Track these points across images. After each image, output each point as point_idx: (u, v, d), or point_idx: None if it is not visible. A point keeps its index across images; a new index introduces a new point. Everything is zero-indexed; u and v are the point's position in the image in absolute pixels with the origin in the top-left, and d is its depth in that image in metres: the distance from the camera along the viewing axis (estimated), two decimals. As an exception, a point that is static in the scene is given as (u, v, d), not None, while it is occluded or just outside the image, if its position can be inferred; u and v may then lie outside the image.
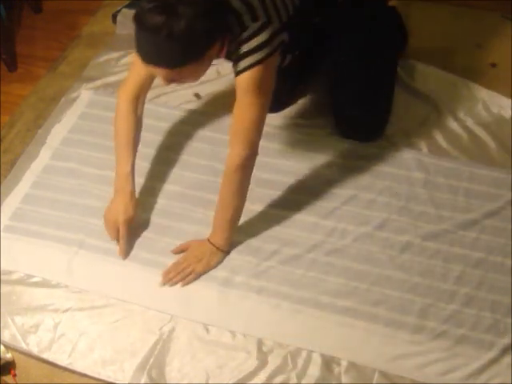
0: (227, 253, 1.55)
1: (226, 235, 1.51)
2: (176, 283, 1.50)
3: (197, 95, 1.91)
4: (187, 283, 1.50)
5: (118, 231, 1.54)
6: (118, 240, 1.55)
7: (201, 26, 1.15)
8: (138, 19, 1.16)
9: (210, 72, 2.00)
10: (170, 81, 1.26)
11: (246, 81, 1.31)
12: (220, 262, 1.53)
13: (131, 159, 1.56)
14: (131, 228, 1.56)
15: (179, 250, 1.56)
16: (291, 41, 1.38)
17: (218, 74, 2.01)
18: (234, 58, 1.30)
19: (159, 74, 1.24)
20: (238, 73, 1.31)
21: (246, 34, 1.27)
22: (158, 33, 1.13)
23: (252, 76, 1.30)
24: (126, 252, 1.55)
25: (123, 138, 1.57)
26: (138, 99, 1.56)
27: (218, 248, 1.52)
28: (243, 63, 1.29)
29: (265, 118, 1.39)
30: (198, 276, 1.51)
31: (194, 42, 1.17)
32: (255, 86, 1.31)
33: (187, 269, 1.50)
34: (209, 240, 1.52)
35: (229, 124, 1.83)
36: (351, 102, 1.77)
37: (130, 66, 1.58)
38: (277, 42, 1.31)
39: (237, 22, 1.27)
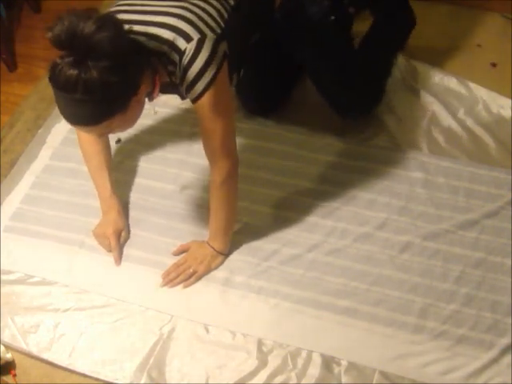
0: (227, 255, 1.55)
1: (224, 240, 1.52)
2: (177, 285, 1.50)
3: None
4: (189, 285, 1.50)
5: (109, 243, 1.56)
6: (110, 250, 1.57)
7: (116, 72, 1.07)
8: (52, 78, 1.08)
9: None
10: (102, 135, 1.23)
11: (205, 105, 1.26)
12: (220, 264, 1.54)
13: (108, 181, 1.57)
14: (121, 240, 1.58)
15: (179, 251, 1.56)
16: (232, 56, 1.31)
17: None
18: (186, 85, 1.24)
19: (87, 132, 1.18)
20: (194, 100, 1.27)
21: (186, 59, 1.20)
22: (72, 91, 1.06)
23: (210, 98, 1.25)
24: (120, 260, 1.56)
25: (94, 163, 1.56)
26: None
27: (217, 251, 1.52)
28: (197, 87, 1.23)
29: (234, 126, 1.37)
30: (200, 278, 1.51)
31: (112, 94, 1.09)
32: (216, 105, 1.27)
33: (188, 270, 1.50)
34: (208, 243, 1.53)
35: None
36: (333, 84, 1.76)
37: None
38: (219, 54, 1.24)
39: (172, 50, 1.21)
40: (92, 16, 1.05)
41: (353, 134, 1.85)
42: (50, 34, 1.05)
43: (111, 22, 1.09)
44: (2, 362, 1.39)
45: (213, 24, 1.26)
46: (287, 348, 1.41)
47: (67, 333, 1.44)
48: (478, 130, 1.86)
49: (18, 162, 1.82)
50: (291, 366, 1.39)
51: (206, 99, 1.25)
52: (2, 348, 1.40)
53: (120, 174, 1.71)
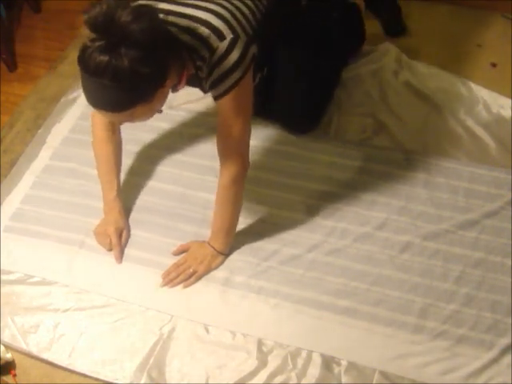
0: (227, 255, 1.55)
1: (225, 241, 1.52)
2: (177, 285, 1.50)
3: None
4: (189, 285, 1.50)
5: (110, 241, 1.56)
6: (111, 249, 1.57)
7: (147, 63, 1.08)
8: (81, 60, 1.08)
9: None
10: (121, 123, 1.23)
11: (227, 103, 1.28)
12: (220, 264, 1.54)
13: (115, 185, 1.58)
14: (122, 240, 1.58)
15: (179, 252, 1.56)
16: (258, 56, 1.33)
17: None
18: (211, 81, 1.26)
19: (108, 117, 1.19)
20: (217, 97, 1.28)
21: (217, 55, 1.22)
22: (101, 76, 1.06)
23: (232, 98, 1.27)
24: (121, 258, 1.56)
25: (104, 166, 1.57)
26: (114, 124, 1.53)
27: (218, 251, 1.52)
28: (222, 86, 1.25)
29: (250, 131, 1.38)
30: (200, 278, 1.51)
31: (140, 83, 1.10)
32: (236, 106, 1.29)
33: (188, 270, 1.50)
34: (209, 243, 1.53)
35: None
36: (287, 99, 1.77)
37: None
38: (249, 56, 1.26)
39: (204, 46, 1.22)
40: (130, 5, 1.06)
41: (353, 134, 1.85)
42: (85, 16, 1.05)
43: (148, 14, 1.10)
44: (2, 362, 1.39)
45: (246, 25, 1.28)
46: (287, 348, 1.41)
47: (67, 333, 1.44)
48: (478, 130, 1.86)
49: (18, 162, 1.82)
50: (291, 366, 1.39)
51: (228, 98, 1.27)
52: (2, 348, 1.40)
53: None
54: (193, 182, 1.72)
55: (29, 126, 1.95)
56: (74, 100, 1.97)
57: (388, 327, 1.43)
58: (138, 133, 1.80)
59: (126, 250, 1.58)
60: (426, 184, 1.70)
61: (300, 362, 1.39)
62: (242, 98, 1.29)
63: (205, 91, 1.37)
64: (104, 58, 1.05)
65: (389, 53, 2.06)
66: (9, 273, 1.54)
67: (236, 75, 1.24)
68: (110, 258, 1.56)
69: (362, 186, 1.70)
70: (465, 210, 1.64)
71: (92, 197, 1.67)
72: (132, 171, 1.74)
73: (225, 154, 1.38)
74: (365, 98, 1.95)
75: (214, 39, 1.21)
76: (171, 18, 1.22)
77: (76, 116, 1.91)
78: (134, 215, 1.65)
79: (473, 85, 1.98)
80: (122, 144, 1.60)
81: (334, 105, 1.91)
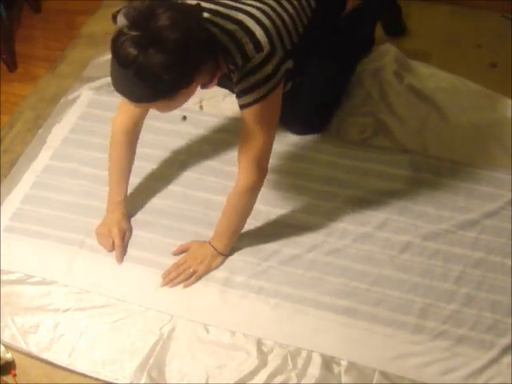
0: (227, 256, 1.55)
1: (227, 243, 1.52)
2: (177, 284, 1.50)
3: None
4: (189, 285, 1.50)
5: (112, 242, 1.56)
6: (112, 250, 1.57)
7: (172, 71, 1.08)
8: (113, 45, 1.09)
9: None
10: (144, 111, 1.23)
11: (251, 114, 1.27)
12: (220, 264, 1.54)
13: (124, 190, 1.59)
14: (124, 241, 1.58)
15: (179, 251, 1.56)
16: (293, 67, 1.33)
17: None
18: (239, 90, 1.24)
19: (130, 105, 1.19)
20: (242, 106, 1.27)
21: (250, 66, 1.19)
22: (126, 67, 1.07)
23: (257, 110, 1.26)
24: (122, 259, 1.56)
25: (117, 169, 1.57)
26: (134, 129, 1.52)
27: (218, 252, 1.52)
28: (249, 97, 1.24)
29: (272, 143, 1.37)
30: (199, 278, 1.51)
31: (161, 85, 1.10)
32: (261, 119, 1.28)
33: (188, 270, 1.51)
34: (210, 243, 1.52)
35: (225, 127, 1.87)
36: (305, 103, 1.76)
37: (121, 101, 1.46)
38: (282, 71, 1.25)
39: (239, 52, 1.19)
40: (172, 8, 1.06)
41: (353, 134, 1.85)
42: (125, 9, 1.06)
43: (187, 21, 1.09)
44: (2, 362, 1.39)
45: (286, 38, 1.27)
46: (287, 348, 1.41)
47: (67, 333, 1.44)
48: (478, 130, 1.86)
49: (18, 162, 1.82)
50: (291, 366, 1.39)
51: (253, 109, 1.26)
52: (2, 348, 1.40)
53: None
54: (193, 182, 1.72)
55: (29, 126, 1.95)
56: (74, 100, 1.97)
57: (388, 327, 1.43)
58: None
59: (126, 250, 1.58)
60: (425, 184, 1.70)
61: (300, 362, 1.39)
62: (267, 111, 1.28)
63: (234, 92, 1.36)
64: (133, 52, 1.05)
65: (389, 53, 2.06)
66: (9, 273, 1.54)
67: (265, 89, 1.23)
68: (110, 258, 1.56)
69: (362, 186, 1.70)
70: (465, 210, 1.64)
71: (92, 197, 1.68)
72: (132, 171, 1.74)
73: (244, 162, 1.36)
74: (365, 98, 1.95)
75: (250, 48, 1.19)
76: (213, 18, 1.21)
77: (76, 116, 1.91)
78: (133, 215, 1.65)
79: (473, 85, 1.98)
80: (136, 149, 1.58)
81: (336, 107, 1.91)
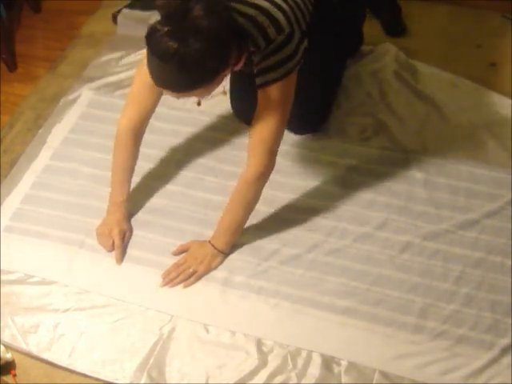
0: (227, 255, 1.55)
1: (229, 240, 1.52)
2: (177, 284, 1.50)
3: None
4: (189, 285, 1.50)
5: (112, 243, 1.56)
6: (112, 250, 1.57)
7: (215, 51, 1.14)
8: (149, 42, 1.13)
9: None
10: (179, 98, 1.26)
11: (271, 93, 1.31)
12: (220, 263, 1.54)
13: (126, 191, 1.59)
14: (124, 241, 1.58)
15: (179, 252, 1.56)
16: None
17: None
18: (259, 68, 1.29)
19: (170, 94, 1.23)
20: (263, 85, 1.31)
21: (272, 47, 1.26)
22: (171, 57, 1.11)
23: (278, 89, 1.30)
24: (122, 259, 1.56)
25: (120, 169, 1.57)
26: (139, 130, 1.54)
27: (218, 251, 1.52)
28: (269, 76, 1.29)
29: (284, 129, 1.39)
30: (200, 278, 1.51)
31: (207, 68, 1.16)
32: (280, 98, 1.32)
33: (188, 270, 1.51)
34: (210, 242, 1.52)
35: (225, 126, 1.87)
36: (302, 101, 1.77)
37: (130, 94, 1.51)
38: (301, 51, 1.30)
39: (261, 36, 1.25)
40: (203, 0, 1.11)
41: (353, 134, 1.85)
42: (160, 3, 1.11)
43: (219, 10, 1.14)
44: (2, 362, 1.39)
45: (301, 19, 1.32)
46: (287, 348, 1.41)
47: (67, 333, 1.44)
48: (478, 130, 1.86)
49: (18, 162, 1.82)
50: (291, 366, 1.39)
51: (273, 88, 1.30)
52: (2, 348, 1.40)
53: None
54: (192, 182, 1.72)
55: (29, 126, 1.95)
56: (74, 100, 1.97)
57: (388, 327, 1.43)
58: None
59: (126, 250, 1.58)
60: (425, 184, 1.70)
61: (300, 362, 1.39)
62: (284, 91, 1.32)
63: (249, 75, 1.39)
64: (173, 45, 1.09)
65: (389, 53, 2.06)
66: (9, 273, 1.54)
67: (285, 68, 1.29)
68: (110, 258, 1.56)
69: (362, 186, 1.70)
70: (465, 210, 1.64)
71: (92, 197, 1.68)
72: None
73: (256, 145, 1.38)
74: (365, 98, 1.95)
75: (272, 31, 1.25)
76: (237, 6, 1.26)
77: (76, 116, 1.91)
78: (133, 215, 1.65)
79: (473, 85, 1.98)
80: (139, 150, 1.58)
81: (334, 105, 1.91)
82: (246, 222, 1.52)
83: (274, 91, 1.31)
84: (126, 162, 1.57)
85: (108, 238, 1.57)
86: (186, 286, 1.50)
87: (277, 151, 1.41)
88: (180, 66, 1.11)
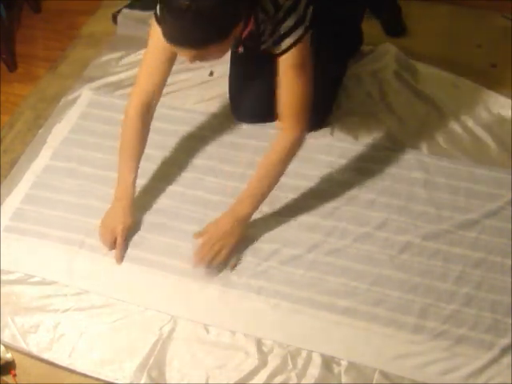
0: (246, 225, 1.54)
1: (251, 210, 1.51)
2: (209, 262, 1.49)
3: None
4: (222, 259, 1.49)
5: (113, 240, 1.55)
6: (112, 249, 1.56)
7: (227, 5, 1.16)
8: (162, 1, 1.17)
9: (205, 74, 2.02)
10: (194, 59, 1.27)
11: (291, 58, 1.35)
12: (243, 233, 1.53)
13: (134, 170, 1.57)
14: (127, 235, 1.58)
15: (200, 235, 1.54)
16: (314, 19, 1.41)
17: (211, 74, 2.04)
18: (274, 39, 1.33)
19: (184, 53, 1.24)
20: (281, 52, 1.35)
21: (281, 14, 1.30)
22: (184, 13, 1.13)
23: (296, 53, 1.34)
24: (122, 258, 1.56)
25: (129, 148, 1.56)
26: (149, 106, 1.54)
27: (238, 220, 1.50)
28: (286, 42, 1.33)
29: (311, 93, 1.41)
30: (230, 250, 1.50)
31: (220, 22, 1.18)
32: (300, 62, 1.36)
33: (215, 247, 1.48)
34: (228, 214, 1.51)
35: (226, 126, 1.87)
36: None
37: (140, 71, 1.53)
38: (309, 15, 1.33)
39: (270, 1, 1.29)
40: None
41: (353, 134, 1.85)
42: None
43: None
44: (2, 362, 1.39)
45: None
46: (287, 348, 1.41)
47: (67, 333, 1.44)
48: (478, 130, 1.86)
49: (18, 162, 1.82)
50: (291, 366, 1.39)
51: (291, 55, 1.34)
52: (2, 348, 1.40)
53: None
54: (193, 182, 1.72)
55: (29, 126, 1.95)
56: (74, 100, 1.97)
57: (388, 327, 1.43)
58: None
59: (126, 250, 1.58)
60: (425, 184, 1.70)
61: (300, 361, 1.39)
62: (303, 55, 1.35)
63: (258, 48, 1.42)
64: (185, 3, 1.11)
65: (389, 53, 2.06)
66: (9, 273, 1.54)
67: (299, 32, 1.32)
68: (110, 258, 1.56)
69: (361, 186, 1.70)
70: (465, 210, 1.64)
71: (92, 197, 1.68)
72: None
73: (287, 114, 1.42)
74: (365, 98, 1.95)
75: None
76: None
77: (76, 116, 1.91)
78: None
79: (473, 85, 1.98)
80: (149, 128, 1.59)
81: (334, 105, 1.91)
82: (267, 196, 1.51)
83: (294, 57, 1.34)
84: (134, 139, 1.55)
85: (111, 236, 1.55)
86: (219, 262, 1.49)
87: (307, 117, 1.43)
88: (193, 21, 1.13)
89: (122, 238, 1.55)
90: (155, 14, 1.37)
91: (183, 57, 1.26)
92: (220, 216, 1.52)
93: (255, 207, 1.52)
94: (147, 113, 1.55)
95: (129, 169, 1.56)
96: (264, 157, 1.47)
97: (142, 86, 1.52)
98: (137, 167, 1.58)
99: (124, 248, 1.56)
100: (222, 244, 1.49)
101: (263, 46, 1.39)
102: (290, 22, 1.31)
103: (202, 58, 1.27)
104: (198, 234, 1.54)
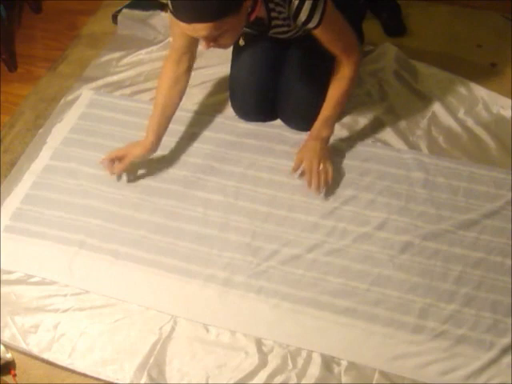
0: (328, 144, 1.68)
1: (331, 131, 1.66)
2: (325, 184, 1.63)
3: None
4: (331, 176, 1.63)
5: (115, 166, 1.65)
6: (111, 172, 1.66)
7: None
8: None
9: (205, 74, 2.02)
10: (210, 39, 1.30)
11: (326, 26, 1.42)
12: (329, 150, 1.67)
13: (157, 131, 1.65)
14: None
15: (296, 166, 1.67)
16: None
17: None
18: (302, 20, 1.40)
19: (199, 32, 1.26)
20: (314, 28, 1.42)
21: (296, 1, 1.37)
22: None
23: (328, 21, 1.41)
24: (117, 173, 1.69)
25: (158, 107, 1.65)
26: (181, 59, 1.61)
27: (324, 141, 1.65)
28: (316, 18, 1.40)
29: (348, 25, 1.49)
30: (331, 165, 1.64)
31: None
32: (333, 27, 1.45)
33: (320, 169, 1.61)
34: (312, 139, 1.64)
35: (226, 126, 1.87)
36: (296, 96, 1.81)
37: (171, 32, 1.62)
38: None
39: None
40: None
41: (353, 134, 1.85)
42: None
43: None
44: (2, 362, 1.39)
45: None
46: (287, 348, 1.41)
47: (67, 333, 1.44)
48: (478, 130, 1.86)
49: (18, 162, 1.82)
50: (291, 366, 1.39)
51: (325, 25, 1.42)
52: (2, 348, 1.40)
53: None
54: (193, 182, 1.72)
55: (29, 126, 1.95)
56: (74, 100, 1.97)
57: (388, 327, 1.43)
58: (137, 132, 1.79)
59: (126, 250, 1.58)
60: (425, 184, 1.70)
61: (300, 361, 1.39)
62: (334, 18, 1.44)
63: (265, 33, 1.55)
64: None
65: (389, 53, 2.06)
66: (9, 273, 1.55)
67: (320, 3, 1.38)
68: (110, 257, 1.56)
69: (361, 186, 1.70)
70: (465, 210, 1.64)
71: (92, 197, 1.68)
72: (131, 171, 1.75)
73: (343, 52, 1.52)
74: (365, 98, 1.95)
75: None
76: None
77: (76, 116, 1.91)
78: (132, 214, 1.65)
79: (473, 85, 1.98)
80: (186, 83, 1.68)
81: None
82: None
83: (328, 23, 1.42)
84: (166, 91, 1.63)
85: (123, 152, 1.64)
86: (331, 179, 1.63)
87: (357, 42, 1.54)
88: None
89: (124, 165, 1.63)
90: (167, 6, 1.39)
91: (199, 37, 1.29)
92: (304, 144, 1.66)
93: (333, 127, 1.67)
94: (180, 64, 1.62)
95: (152, 128, 1.64)
96: (331, 88, 1.59)
97: (176, 43, 1.60)
98: (162, 128, 1.66)
99: (119, 172, 1.66)
100: (323, 163, 1.62)
101: (284, 30, 1.51)
102: (308, 3, 1.36)
103: (217, 37, 1.29)
104: (295, 167, 1.67)
